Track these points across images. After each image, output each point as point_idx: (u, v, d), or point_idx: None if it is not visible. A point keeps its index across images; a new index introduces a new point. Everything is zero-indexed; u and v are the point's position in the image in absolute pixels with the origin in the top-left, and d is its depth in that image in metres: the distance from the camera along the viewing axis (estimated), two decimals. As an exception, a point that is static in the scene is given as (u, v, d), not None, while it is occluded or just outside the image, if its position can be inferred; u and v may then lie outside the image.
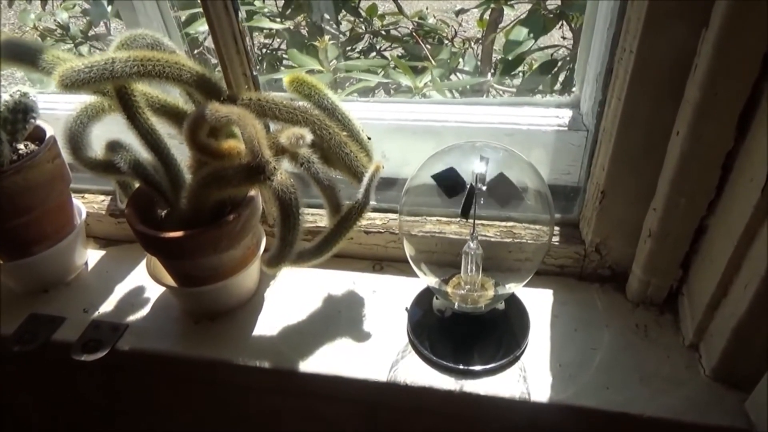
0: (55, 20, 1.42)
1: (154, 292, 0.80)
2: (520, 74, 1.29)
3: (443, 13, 1.59)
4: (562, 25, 1.25)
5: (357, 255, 0.84)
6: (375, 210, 0.83)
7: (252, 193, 0.70)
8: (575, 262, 0.77)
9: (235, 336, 0.74)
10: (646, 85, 0.57)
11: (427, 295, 0.76)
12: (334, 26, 1.45)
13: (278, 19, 1.40)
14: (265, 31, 1.46)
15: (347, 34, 1.45)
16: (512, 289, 0.68)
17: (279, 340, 0.74)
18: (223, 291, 0.74)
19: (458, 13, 1.52)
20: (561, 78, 1.21)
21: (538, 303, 0.75)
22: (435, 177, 0.60)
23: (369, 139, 0.71)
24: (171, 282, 0.74)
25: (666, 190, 0.61)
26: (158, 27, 0.79)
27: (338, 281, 0.81)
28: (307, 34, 1.40)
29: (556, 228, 0.77)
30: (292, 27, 1.44)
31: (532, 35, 1.13)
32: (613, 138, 0.63)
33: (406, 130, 0.85)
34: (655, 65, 0.56)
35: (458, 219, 0.78)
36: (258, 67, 1.52)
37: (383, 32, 1.45)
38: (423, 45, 1.36)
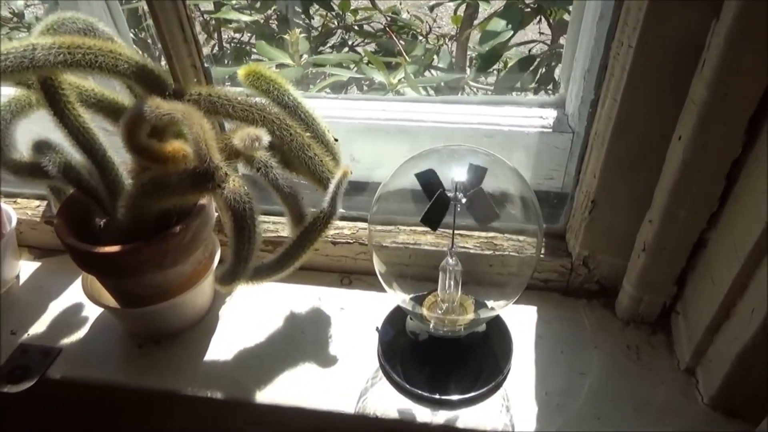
0: (9, 7, 1.31)
1: (93, 310, 0.71)
2: (497, 72, 1.24)
3: (417, 9, 1.54)
4: (540, 20, 1.20)
5: (323, 267, 0.76)
6: (343, 218, 0.75)
7: (203, 201, 0.62)
8: (561, 276, 0.71)
9: (185, 361, 0.66)
10: (646, 83, 0.51)
11: (400, 313, 0.69)
12: (306, 20, 1.39)
13: (247, 12, 1.32)
14: (234, 24, 1.39)
15: (319, 29, 1.38)
16: (496, 310, 0.61)
17: (234, 366, 0.66)
18: (170, 311, 0.65)
19: (432, 8, 1.47)
20: (540, 75, 1.15)
21: (520, 321, 0.69)
22: (419, 176, 0.52)
23: (336, 140, 0.64)
24: (111, 301, 0.65)
25: (664, 201, 0.55)
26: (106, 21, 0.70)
27: (302, 297, 0.73)
28: (277, 28, 1.34)
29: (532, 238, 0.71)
30: (261, 20, 1.38)
31: (510, 26, 1.07)
32: (606, 142, 0.56)
33: (377, 130, 0.78)
34: (657, 61, 0.50)
35: (434, 229, 0.71)
36: (227, 61, 1.43)
37: (356, 27, 1.40)
38: (397, 40, 1.30)
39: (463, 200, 0.53)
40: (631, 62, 0.50)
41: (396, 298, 0.62)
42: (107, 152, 0.58)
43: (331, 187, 0.59)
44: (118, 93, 0.61)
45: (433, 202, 0.51)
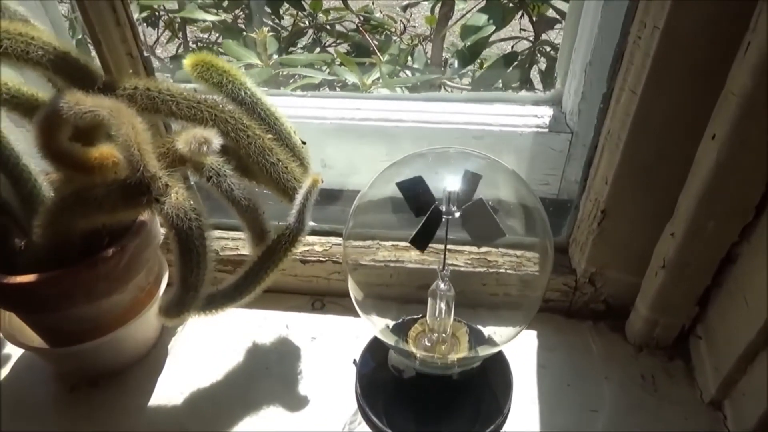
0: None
1: (14, 350, 0.60)
2: (472, 72, 1.17)
3: (390, 9, 1.48)
4: (522, 15, 1.13)
5: (291, 289, 0.67)
6: (314, 233, 0.66)
7: (143, 217, 0.52)
8: (563, 295, 0.63)
9: (126, 406, 0.55)
10: (674, 71, 0.43)
11: (381, 342, 0.59)
12: (275, 20, 1.31)
13: (214, 11, 1.24)
14: (200, 23, 1.31)
15: (290, 29, 1.31)
16: (498, 345, 0.52)
17: (185, 411, 0.55)
18: (107, 348, 0.55)
19: (405, 8, 1.41)
20: (524, 72, 1.08)
21: (520, 349, 0.60)
22: (402, 186, 0.43)
23: (304, 143, 0.54)
24: (35, 340, 0.54)
25: (690, 210, 0.47)
26: None
27: (267, 325, 0.63)
28: (245, 27, 1.26)
29: (535, 255, 0.62)
30: (229, 20, 1.30)
31: (491, 21, 1.00)
32: (622, 143, 0.48)
33: (351, 131, 0.69)
34: (689, 45, 0.41)
35: (419, 244, 0.62)
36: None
37: (328, 27, 1.33)
38: (370, 40, 1.23)
39: (457, 214, 0.44)
40: (657, 47, 0.42)
41: (374, 327, 0.53)
42: (21, 159, 0.48)
43: (299, 198, 0.50)
44: (38, 88, 0.51)
45: (426, 219, 0.42)
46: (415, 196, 0.44)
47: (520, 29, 1.26)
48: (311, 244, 0.65)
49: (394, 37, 1.36)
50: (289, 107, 0.66)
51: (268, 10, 1.29)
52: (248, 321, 0.64)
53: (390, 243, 0.63)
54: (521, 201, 0.47)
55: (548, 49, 1.12)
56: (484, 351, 0.50)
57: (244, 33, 1.19)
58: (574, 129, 0.63)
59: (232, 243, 0.65)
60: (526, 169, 0.68)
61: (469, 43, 1.01)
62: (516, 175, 0.48)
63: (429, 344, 0.54)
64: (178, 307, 0.49)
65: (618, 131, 0.48)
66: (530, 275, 0.61)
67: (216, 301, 0.53)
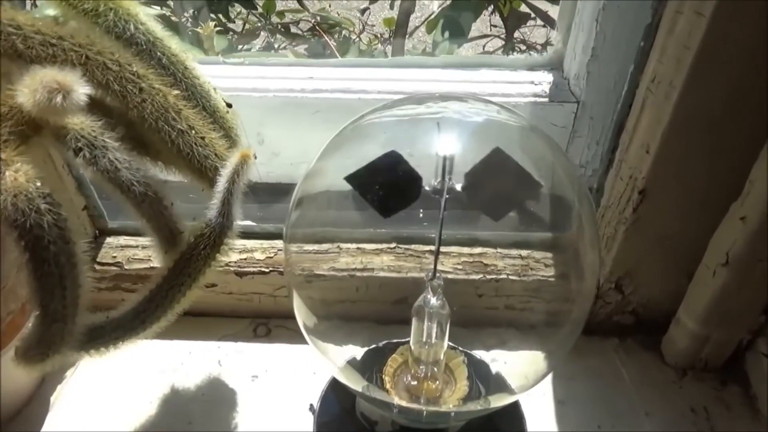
0: None
1: None
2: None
3: (348, 11, 1.38)
4: (493, 11, 1.01)
5: (225, 312, 0.51)
6: (253, 236, 0.50)
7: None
8: (569, 303, 0.49)
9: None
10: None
11: (346, 380, 0.44)
12: (224, 20, 1.18)
13: (156, 6, 1.09)
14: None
15: (242, 32, 1.18)
16: (516, 388, 0.37)
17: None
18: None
19: (363, 11, 1.32)
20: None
21: (529, 380, 0.45)
22: (353, 178, 0.29)
23: (229, 107, 0.39)
24: None
25: (773, 183, 0.33)
26: None
27: (191, 362, 0.47)
28: (190, 23, 1.12)
29: (546, 255, 0.48)
30: (170, 15, 1.15)
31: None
32: (676, 91, 0.34)
33: (303, 106, 0.53)
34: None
35: (393, 245, 0.47)
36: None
37: (282, 29, 1.21)
38: (328, 40, 1.12)
39: (458, 186, 0.30)
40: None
41: (332, 364, 0.37)
42: None
43: (222, 181, 0.35)
44: None
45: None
46: (385, 183, 0.29)
47: (491, 26, 1.15)
48: (250, 251, 0.49)
49: (353, 37, 1.26)
50: (222, 77, 0.51)
51: (212, 15, 1.17)
52: (166, 357, 0.47)
53: (354, 245, 0.48)
54: (550, 174, 0.33)
55: (523, 47, 1.01)
56: (498, 400, 0.36)
57: (189, 30, 1.06)
58: (581, 97, 0.49)
59: (143, 253, 0.48)
60: (522, 151, 0.54)
61: (446, 38, 0.88)
62: (535, 128, 0.34)
63: (414, 383, 0.38)
64: (41, 347, 0.33)
65: (671, 75, 0.34)
66: (536, 281, 0.47)
67: (106, 335, 0.37)
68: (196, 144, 0.35)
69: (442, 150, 0.29)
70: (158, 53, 0.34)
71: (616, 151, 0.42)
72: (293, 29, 1.25)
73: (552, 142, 0.36)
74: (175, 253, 0.37)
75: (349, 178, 0.29)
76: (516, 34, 1.03)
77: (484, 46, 1.12)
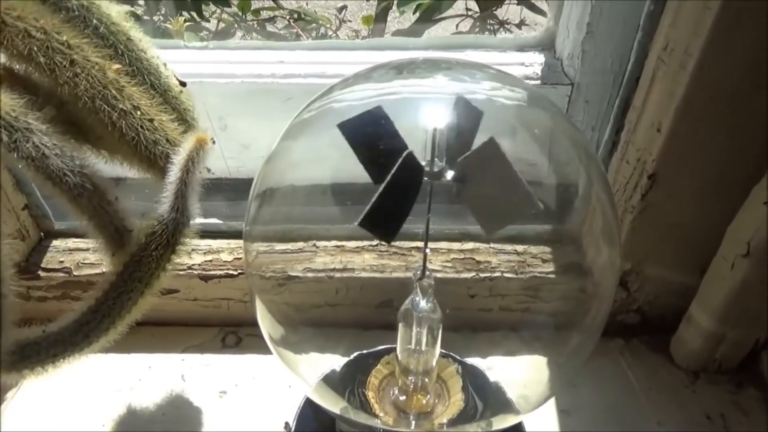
0: None
1: None
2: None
3: (326, 10, 1.34)
4: None
5: (189, 320, 0.46)
6: (218, 235, 0.45)
7: None
8: (579, 304, 0.44)
9: None
10: None
11: (325, 394, 0.39)
12: (197, 18, 1.13)
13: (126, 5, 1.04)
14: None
15: (215, 30, 1.14)
16: (522, 408, 0.33)
17: None
18: None
19: (341, 9, 1.28)
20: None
21: (528, 387, 0.41)
22: (345, 126, 0.24)
23: (183, 86, 0.34)
24: None
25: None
26: None
27: (151, 377, 0.42)
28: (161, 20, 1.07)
29: (544, 250, 0.44)
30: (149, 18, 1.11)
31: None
32: (693, 60, 0.30)
33: (273, 92, 0.49)
34: None
35: (376, 243, 0.43)
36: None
37: (258, 26, 1.17)
38: (305, 37, 1.08)
39: (449, 174, 0.25)
40: None
41: (305, 382, 0.33)
42: None
43: (174, 170, 0.30)
44: None
45: (392, 179, 0.23)
46: (371, 144, 0.25)
47: (466, 9, 1.11)
48: (216, 252, 0.44)
49: (330, 33, 1.22)
50: (183, 62, 0.46)
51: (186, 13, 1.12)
52: (121, 373, 0.42)
53: (332, 243, 0.43)
54: (561, 155, 0.29)
55: (496, 25, 0.97)
56: (501, 422, 0.31)
57: (161, 28, 1.00)
58: (575, 79, 0.45)
59: (94, 257, 0.43)
60: (509, 141, 0.50)
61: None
62: (545, 99, 0.30)
63: (402, 397, 0.34)
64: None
65: (687, 40, 0.30)
66: (534, 277, 0.42)
67: (42, 352, 0.32)
68: (142, 127, 0.30)
69: (430, 125, 0.25)
70: (94, 20, 0.29)
71: (621, 132, 0.38)
72: (269, 28, 1.21)
73: (557, 114, 0.31)
74: (123, 256, 0.32)
75: (343, 126, 0.24)
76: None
77: (457, 25, 1.08)
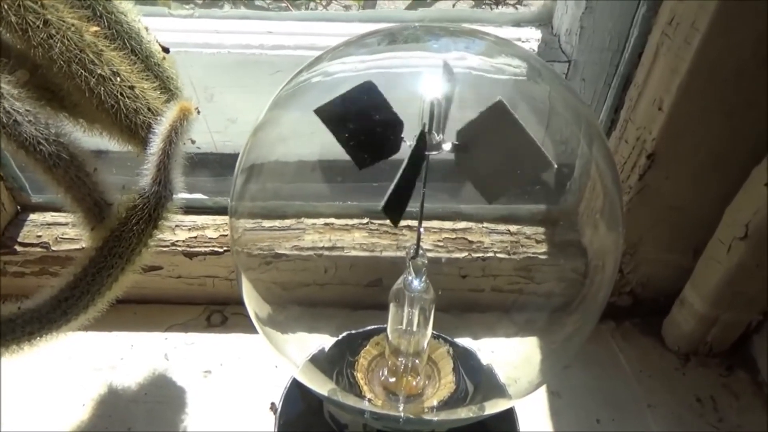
0: None
1: None
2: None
3: None
4: None
5: (173, 298, 0.45)
6: (203, 210, 0.44)
7: None
8: (570, 286, 0.44)
9: None
10: None
11: (313, 375, 0.38)
12: None
13: None
14: None
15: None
16: (513, 393, 0.32)
17: None
18: None
19: None
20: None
21: (518, 369, 0.40)
22: (322, 111, 0.23)
23: (166, 52, 0.32)
24: None
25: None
26: None
27: (132, 356, 0.41)
28: None
29: (537, 230, 0.43)
30: None
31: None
32: (700, 34, 0.29)
33: (263, 65, 0.47)
34: None
35: (366, 221, 0.42)
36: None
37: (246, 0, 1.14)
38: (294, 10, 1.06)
39: (446, 146, 0.24)
40: None
41: (291, 363, 0.32)
42: None
43: (157, 141, 0.28)
44: None
45: (411, 159, 0.22)
46: (359, 122, 0.23)
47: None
48: (201, 228, 0.43)
49: (320, 8, 1.20)
50: (167, 31, 0.44)
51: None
52: (103, 351, 0.41)
53: (322, 221, 0.42)
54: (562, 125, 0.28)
55: (494, 5, 0.95)
56: (492, 406, 0.30)
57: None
58: (572, 56, 0.44)
59: (74, 231, 0.42)
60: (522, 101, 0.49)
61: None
62: (545, 67, 0.28)
63: (392, 378, 0.33)
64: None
65: (693, 14, 0.29)
66: (526, 258, 0.41)
67: (17, 330, 0.30)
68: (122, 95, 0.28)
69: (427, 94, 0.24)
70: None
71: (620, 111, 0.37)
72: (257, 1, 1.18)
73: (556, 80, 0.30)
74: (103, 230, 0.31)
75: (320, 111, 0.23)
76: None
77: (454, 5, 1.06)
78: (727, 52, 0.29)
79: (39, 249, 0.41)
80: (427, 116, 0.24)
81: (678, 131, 0.33)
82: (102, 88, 0.28)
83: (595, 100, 0.43)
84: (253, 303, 0.30)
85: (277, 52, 0.46)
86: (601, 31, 0.40)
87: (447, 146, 0.24)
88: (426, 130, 0.23)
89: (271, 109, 0.29)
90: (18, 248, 0.41)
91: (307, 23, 0.48)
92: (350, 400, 0.30)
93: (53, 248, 0.41)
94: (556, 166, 0.22)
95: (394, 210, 0.21)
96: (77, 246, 0.41)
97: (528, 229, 0.41)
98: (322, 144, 0.34)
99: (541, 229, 0.41)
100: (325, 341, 0.36)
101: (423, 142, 0.22)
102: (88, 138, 0.31)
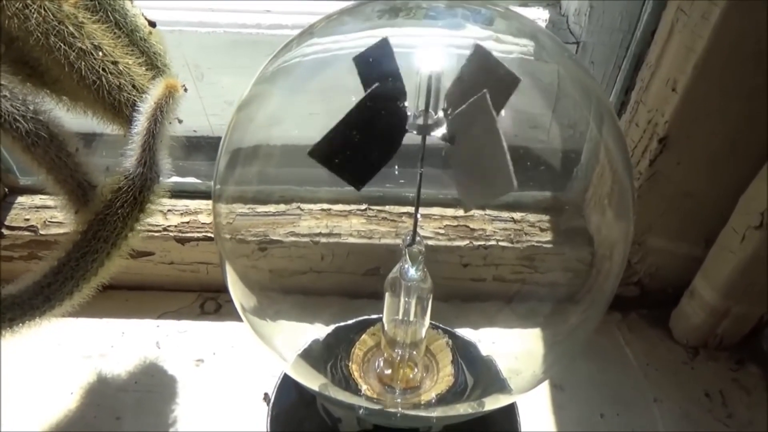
0: None
1: None
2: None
3: None
4: None
5: (165, 285, 0.43)
6: (195, 195, 0.43)
7: None
8: (576, 276, 0.42)
9: None
10: None
11: (307, 365, 0.37)
12: None
13: None
14: None
15: None
16: (514, 388, 0.31)
17: None
18: None
19: None
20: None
21: (519, 360, 0.39)
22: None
23: (153, 26, 0.30)
24: None
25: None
26: None
27: (123, 344, 0.40)
28: None
29: (542, 218, 0.42)
30: None
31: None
32: (719, 9, 0.27)
33: (260, 45, 0.46)
34: None
35: (364, 207, 0.40)
36: None
37: None
38: None
39: (440, 131, 0.23)
40: None
41: (281, 358, 0.30)
42: None
43: (142, 120, 0.27)
44: None
45: (354, 111, 0.20)
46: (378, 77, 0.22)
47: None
48: (194, 213, 0.41)
49: None
50: (160, 9, 0.43)
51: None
52: (92, 338, 0.40)
53: (318, 206, 0.40)
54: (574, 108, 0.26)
55: None
56: (493, 402, 0.29)
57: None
58: (581, 37, 0.42)
59: (63, 215, 0.40)
60: (510, 104, 0.47)
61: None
62: (554, 40, 0.27)
63: (387, 370, 0.32)
64: None
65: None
66: (530, 246, 0.40)
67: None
68: (104, 70, 0.27)
69: (425, 69, 0.22)
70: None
71: (631, 92, 0.35)
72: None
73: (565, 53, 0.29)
74: (87, 213, 0.29)
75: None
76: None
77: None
78: (748, 29, 0.27)
79: (27, 232, 0.40)
80: (425, 91, 0.22)
81: (692, 114, 0.31)
82: (83, 63, 0.26)
83: (604, 83, 0.41)
84: (237, 291, 0.28)
85: (275, 32, 0.45)
86: (611, 11, 0.39)
87: (440, 131, 0.23)
88: (426, 105, 0.22)
89: (259, 84, 0.27)
90: (5, 231, 0.40)
91: (306, 1, 0.47)
92: (343, 396, 0.29)
93: (42, 232, 0.40)
94: (516, 186, 0.19)
95: (321, 157, 0.20)
96: (66, 230, 0.40)
97: (532, 217, 0.40)
98: (319, 125, 0.33)
99: (545, 217, 0.40)
100: (319, 331, 0.34)
101: (376, 97, 0.20)
102: (81, 120, 0.30)
